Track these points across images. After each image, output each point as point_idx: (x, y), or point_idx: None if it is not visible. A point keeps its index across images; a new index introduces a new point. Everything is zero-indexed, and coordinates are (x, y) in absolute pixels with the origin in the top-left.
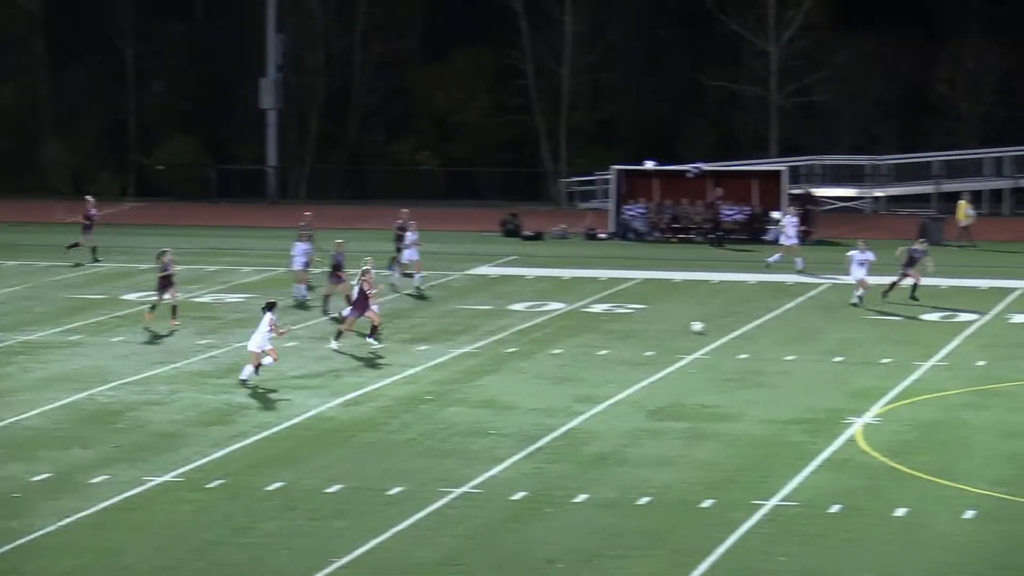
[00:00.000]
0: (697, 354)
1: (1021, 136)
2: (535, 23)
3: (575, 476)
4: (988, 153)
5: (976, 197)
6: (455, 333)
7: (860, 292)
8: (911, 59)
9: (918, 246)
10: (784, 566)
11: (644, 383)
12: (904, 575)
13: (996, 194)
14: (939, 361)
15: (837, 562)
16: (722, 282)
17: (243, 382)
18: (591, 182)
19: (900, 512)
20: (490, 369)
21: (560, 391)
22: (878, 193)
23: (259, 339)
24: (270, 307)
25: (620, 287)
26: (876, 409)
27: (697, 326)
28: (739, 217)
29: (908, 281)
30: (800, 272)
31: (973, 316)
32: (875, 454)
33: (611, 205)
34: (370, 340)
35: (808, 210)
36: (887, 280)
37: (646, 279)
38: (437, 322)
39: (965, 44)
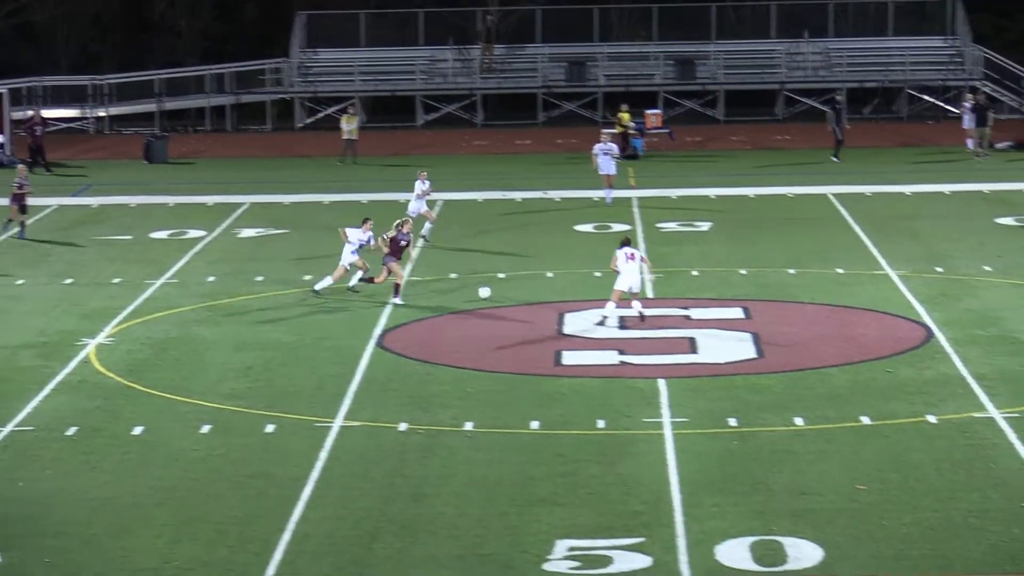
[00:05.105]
0: None
1: (240, 52)
2: None
3: None
4: (209, 70)
5: (200, 114)
6: None
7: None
8: None
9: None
10: (23, 492)
11: None
12: (140, 492)
13: (219, 111)
14: (170, 278)
15: (76, 484)
16: None
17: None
18: None
19: (137, 431)
20: None
21: None
22: (101, 113)
23: None
24: None
25: None
26: (109, 329)
27: (485, 292)
28: None
29: None
30: None
31: (201, 232)
32: (110, 374)
33: None
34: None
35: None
36: None
37: None
38: None
39: None
